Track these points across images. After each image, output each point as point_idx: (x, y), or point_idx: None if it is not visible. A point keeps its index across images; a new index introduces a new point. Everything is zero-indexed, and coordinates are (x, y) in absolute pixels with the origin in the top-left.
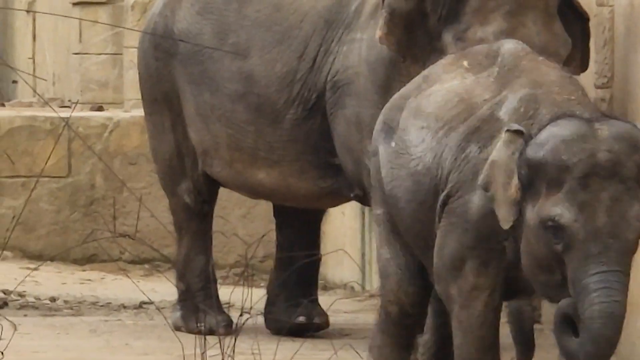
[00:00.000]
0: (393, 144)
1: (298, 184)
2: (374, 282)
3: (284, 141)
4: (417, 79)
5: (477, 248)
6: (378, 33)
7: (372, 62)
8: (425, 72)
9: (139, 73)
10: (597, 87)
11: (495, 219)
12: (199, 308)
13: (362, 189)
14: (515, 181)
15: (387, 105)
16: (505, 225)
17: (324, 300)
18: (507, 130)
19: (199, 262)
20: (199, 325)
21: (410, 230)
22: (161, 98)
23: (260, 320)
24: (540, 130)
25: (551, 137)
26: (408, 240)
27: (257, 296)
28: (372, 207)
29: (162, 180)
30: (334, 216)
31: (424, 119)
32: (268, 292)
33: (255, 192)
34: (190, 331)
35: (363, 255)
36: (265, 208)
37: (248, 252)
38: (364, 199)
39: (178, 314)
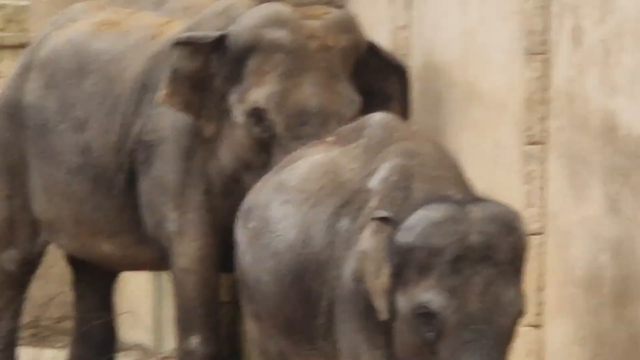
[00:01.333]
0: (253, 224)
1: (139, 253)
2: (168, 343)
3: (118, 211)
4: (282, 162)
5: (363, 329)
6: (160, 94)
7: (178, 127)
8: (292, 154)
9: None
10: None
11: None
12: None
13: (160, 250)
14: (385, 270)
15: (250, 191)
16: (383, 315)
17: None
18: (374, 219)
19: (6, 325)
20: None
21: (273, 318)
22: (4, 167)
23: None
24: (409, 214)
25: (421, 221)
26: (275, 334)
27: (49, 357)
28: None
29: None
30: (128, 277)
31: (287, 192)
32: None
33: (102, 262)
34: None
35: (157, 316)
36: (61, 270)
37: (41, 312)
38: (163, 263)
39: None
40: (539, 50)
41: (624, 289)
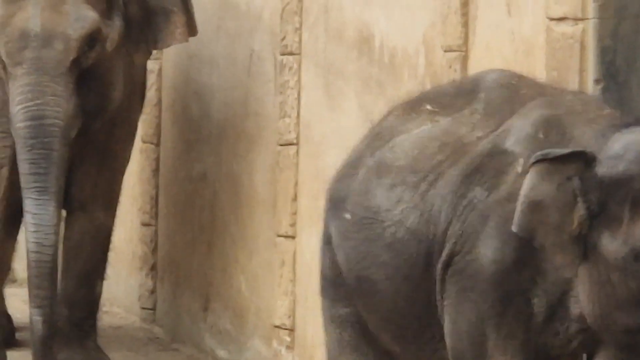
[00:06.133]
0: (348, 216)
1: None
2: None
3: None
4: (364, 140)
5: (499, 315)
6: None
7: None
8: (374, 130)
9: None
10: None
11: (519, 272)
12: None
13: None
14: (579, 212)
15: (331, 180)
16: (569, 271)
17: None
18: (539, 161)
19: None
20: None
21: (390, 321)
22: None
23: None
24: (603, 144)
25: (631, 146)
26: (386, 339)
27: None
28: (326, 309)
29: None
30: None
31: (395, 174)
32: None
33: None
34: None
35: None
36: None
37: None
38: None
39: None
40: None
41: None
